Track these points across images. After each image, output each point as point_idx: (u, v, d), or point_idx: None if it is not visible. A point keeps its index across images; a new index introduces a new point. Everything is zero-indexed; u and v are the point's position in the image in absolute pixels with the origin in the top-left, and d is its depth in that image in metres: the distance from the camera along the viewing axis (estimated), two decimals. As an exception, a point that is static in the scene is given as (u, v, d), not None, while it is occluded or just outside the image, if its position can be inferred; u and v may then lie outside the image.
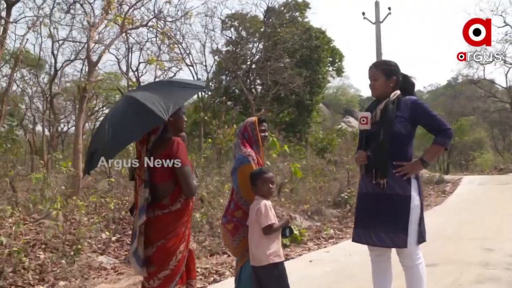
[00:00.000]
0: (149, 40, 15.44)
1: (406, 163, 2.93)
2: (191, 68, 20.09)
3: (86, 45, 10.54)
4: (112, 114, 2.83)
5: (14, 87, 23.22)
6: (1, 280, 4.74)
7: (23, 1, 16.14)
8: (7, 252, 5.18)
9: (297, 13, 24.31)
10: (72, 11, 13.36)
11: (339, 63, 29.32)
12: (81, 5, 11.17)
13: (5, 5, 8.78)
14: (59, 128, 24.33)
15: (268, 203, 3.10)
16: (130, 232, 5.67)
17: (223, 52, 23.26)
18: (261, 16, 22.13)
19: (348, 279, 4.60)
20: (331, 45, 25.93)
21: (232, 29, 23.71)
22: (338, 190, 11.58)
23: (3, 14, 9.01)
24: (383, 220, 2.91)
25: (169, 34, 13.71)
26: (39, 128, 22.42)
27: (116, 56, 19.25)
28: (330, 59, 27.17)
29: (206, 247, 6.40)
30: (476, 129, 37.62)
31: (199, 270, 5.08)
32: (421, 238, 2.97)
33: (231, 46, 23.33)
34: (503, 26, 23.35)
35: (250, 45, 23.79)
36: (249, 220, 3.14)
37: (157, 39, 14.16)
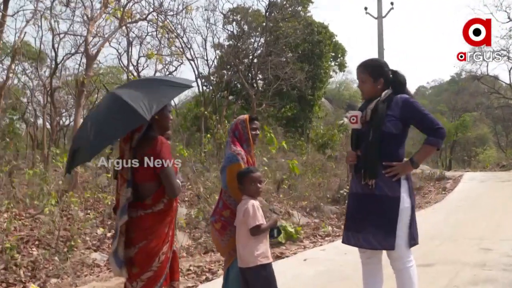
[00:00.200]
0: (149, 34, 15.33)
1: (396, 163, 2.85)
2: (192, 62, 19.98)
3: (85, 39, 10.41)
4: (96, 112, 2.78)
5: (16, 81, 23.29)
6: (-8, 277, 4.71)
7: (23, -6, 16.16)
8: (-1, 249, 5.15)
9: (300, 8, 24.14)
10: (72, 4, 13.32)
11: (341, 58, 29.13)
12: (80, -2, 11.08)
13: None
14: (61, 122, 24.36)
15: (255, 203, 3.04)
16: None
17: (225, 47, 23.16)
18: (263, 11, 21.99)
19: (341, 279, 4.54)
20: (334, 40, 25.74)
21: (234, 23, 23.59)
22: (337, 186, 11.53)
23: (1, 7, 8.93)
24: (372, 222, 2.83)
25: (169, 28, 13.62)
26: (40, 121, 22.45)
27: (117, 50, 19.20)
28: (333, 54, 27.01)
29: (202, 244, 6.37)
30: (479, 125, 37.46)
31: (191, 268, 5.05)
32: (412, 241, 2.89)
33: (233, 40, 23.21)
34: (507, 22, 23.16)
35: (252, 40, 23.68)
36: (236, 220, 3.08)
37: (157, 33, 14.04)
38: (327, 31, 24.26)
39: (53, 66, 18.16)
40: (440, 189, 13.68)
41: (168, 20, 13.91)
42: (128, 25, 12.84)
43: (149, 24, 14.15)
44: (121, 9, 10.48)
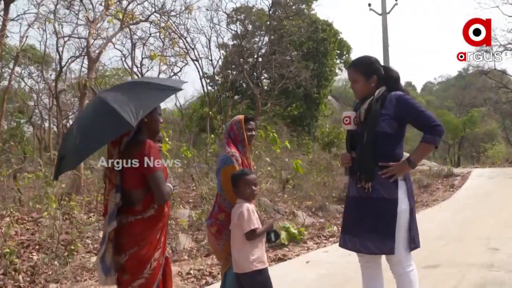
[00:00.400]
0: (152, 35, 15.30)
1: (392, 163, 2.73)
2: (196, 62, 19.95)
3: (87, 42, 10.39)
4: (82, 116, 2.70)
5: (22, 84, 23.43)
6: (-10, 283, 4.67)
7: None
8: (-1, 254, 5.11)
9: (303, 6, 24.00)
10: (76, 7, 13.34)
11: (347, 55, 28.98)
12: (81, 0, 11.06)
13: (2, 2, 8.70)
14: (68, 124, 24.45)
15: (250, 206, 2.95)
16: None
17: (230, 46, 23.10)
18: (267, 9, 21.90)
19: (343, 282, 4.43)
20: (338, 37, 25.57)
21: (238, 22, 23.52)
22: (343, 185, 11.39)
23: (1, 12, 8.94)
24: (369, 225, 2.72)
25: (171, 28, 13.57)
26: (47, 124, 22.56)
27: (121, 52, 19.21)
28: (338, 51, 26.86)
29: (205, 246, 6.29)
30: (488, 121, 37.06)
31: (192, 272, 4.97)
32: (412, 245, 2.78)
33: (237, 40, 23.14)
34: (513, 16, 22.81)
35: (256, 39, 23.60)
36: (231, 224, 2.99)
37: (160, 34, 14.00)
38: (331, 28, 24.10)
39: (58, 69, 18.26)
40: (448, 187, 13.50)
41: (171, 21, 13.89)
42: (130, 26, 12.81)
43: (151, 25, 14.15)
44: (122, 11, 10.44)
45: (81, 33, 17.07)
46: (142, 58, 18.10)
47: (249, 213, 2.89)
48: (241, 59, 21.34)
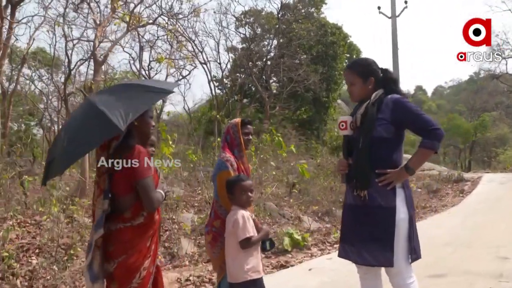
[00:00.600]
0: (160, 38, 15.31)
1: (390, 170, 2.60)
2: (204, 66, 19.94)
3: (93, 44, 10.40)
4: (71, 119, 2.63)
5: (32, 87, 23.64)
6: (-13, 288, 4.62)
7: (36, 1, 16.32)
8: (-2, 258, 5.05)
9: (313, 9, 23.92)
10: (85, 10, 13.38)
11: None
12: (88, 3, 11.07)
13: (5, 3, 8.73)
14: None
15: (246, 213, 2.84)
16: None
17: (239, 50, 23.08)
18: (276, 13, 21.86)
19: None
20: (348, 41, 25.43)
21: (247, 26, 23.51)
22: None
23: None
24: (366, 234, 2.59)
25: (179, 31, 13.55)
26: (57, 127, 22.69)
27: (130, 55, 19.26)
28: (347, 55, 26.69)
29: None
30: (499, 125, 36.51)
31: (191, 278, 4.87)
32: (413, 255, 2.64)
33: (246, 43, 23.12)
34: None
35: (265, 42, 23.56)
36: (226, 232, 2.89)
37: (168, 37, 14.00)
38: (341, 32, 24.00)
39: (67, 72, 18.36)
40: (457, 192, 13.26)
41: (179, 24, 13.87)
42: (138, 30, 12.82)
43: (159, 28, 14.15)
44: (129, 14, 10.44)
45: (90, 36, 17.18)
46: (150, 61, 18.14)
47: (244, 220, 2.78)
48: (250, 63, 21.30)
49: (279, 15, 21.53)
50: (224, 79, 23.73)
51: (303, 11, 23.54)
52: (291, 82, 20.46)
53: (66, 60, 17.77)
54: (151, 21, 11.59)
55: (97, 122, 2.27)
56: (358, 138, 2.67)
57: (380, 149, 2.61)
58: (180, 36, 14.64)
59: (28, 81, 22.98)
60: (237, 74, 23.39)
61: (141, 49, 16.51)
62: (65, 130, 2.47)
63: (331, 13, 56.86)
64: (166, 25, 13.05)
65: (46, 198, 7.51)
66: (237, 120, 3.26)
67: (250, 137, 3.27)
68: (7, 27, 8.76)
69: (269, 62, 22.22)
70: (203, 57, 19.86)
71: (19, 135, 18.25)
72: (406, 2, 16.91)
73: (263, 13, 23.35)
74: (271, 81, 23.86)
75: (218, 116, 14.96)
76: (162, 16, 12.49)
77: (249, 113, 22.44)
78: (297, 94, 21.77)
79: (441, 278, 4.42)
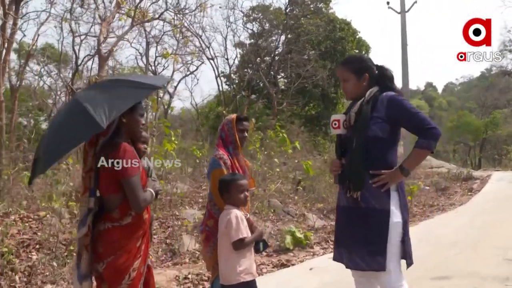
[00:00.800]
0: (166, 33, 15.25)
1: (384, 171, 2.49)
2: (211, 61, 19.85)
3: (98, 40, 10.36)
4: (56, 117, 2.57)
5: (41, 83, 23.80)
6: (-15, 284, 4.60)
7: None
8: (-2, 253, 5.03)
9: (321, 4, 23.69)
10: (92, 6, 13.36)
11: (365, 54, 28.49)
12: (94, -1, 11.05)
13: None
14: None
15: (239, 213, 2.76)
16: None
17: (247, 45, 22.96)
18: (284, 8, 21.70)
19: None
20: (357, 36, 25.16)
21: (255, 21, 23.37)
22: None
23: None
24: (359, 237, 2.49)
25: (185, 27, 13.48)
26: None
27: (138, 51, 19.24)
28: (356, 50, 26.40)
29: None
30: (511, 122, 36.01)
31: (189, 276, 4.81)
32: (408, 260, 2.55)
33: (254, 38, 23.00)
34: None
35: (274, 38, 23.41)
36: (218, 232, 2.80)
37: (174, 32, 13.93)
38: (349, 27, 23.75)
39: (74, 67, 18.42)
40: (466, 190, 13.06)
41: (185, 19, 13.80)
42: (144, 24, 12.76)
43: (165, 24, 14.09)
44: (134, 9, 10.38)
45: (97, 32, 17.20)
46: (156, 57, 18.10)
47: (238, 221, 2.70)
48: (258, 58, 21.17)
49: (287, 10, 21.35)
50: (232, 75, 23.64)
51: (311, 6, 23.30)
52: (299, 78, 20.32)
53: (74, 55, 17.86)
54: (155, 17, 11.51)
55: (80, 119, 2.20)
56: (351, 137, 2.57)
57: (374, 149, 2.51)
58: (187, 32, 14.58)
59: (36, 77, 23.12)
60: (245, 70, 23.27)
61: (148, 44, 16.46)
62: (50, 127, 2.40)
63: (339, 8, 56.40)
64: (173, 20, 12.98)
65: (51, 193, 7.52)
66: (232, 116, 3.19)
67: (246, 134, 3.19)
68: (11, 23, 8.75)
69: (277, 58, 22.07)
70: (210, 52, 19.80)
71: (24, 130, 18.36)
72: (415, -3, 16.69)
73: (271, 8, 23.19)
74: (279, 77, 23.71)
75: (224, 111, 14.91)
76: (168, 12, 12.41)
77: (257, 109, 22.32)
78: (305, 90, 21.61)
79: (444, 280, 4.31)
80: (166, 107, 21.32)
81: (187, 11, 13.40)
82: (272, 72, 22.42)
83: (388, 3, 17.45)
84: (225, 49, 22.03)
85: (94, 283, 2.54)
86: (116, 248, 2.39)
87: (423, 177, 15.25)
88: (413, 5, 16.90)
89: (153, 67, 17.94)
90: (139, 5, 10.52)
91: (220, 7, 19.78)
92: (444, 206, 10.43)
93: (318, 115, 23.15)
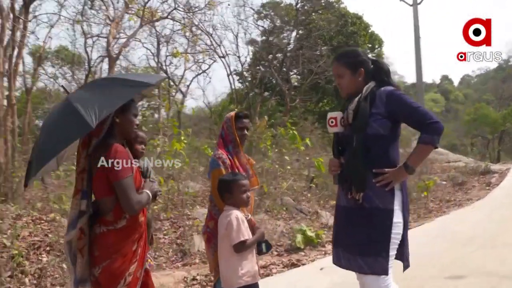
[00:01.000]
0: (176, 32, 15.22)
1: (388, 170, 2.37)
2: (223, 59, 19.78)
3: (107, 40, 10.38)
4: (48, 117, 2.52)
5: (56, 85, 24.10)
6: (-4, 285, 4.61)
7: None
8: (8, 255, 5.05)
9: (333, -1, 23.46)
10: (104, 7, 13.41)
11: (378, 49, 28.08)
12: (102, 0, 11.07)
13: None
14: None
15: (240, 214, 2.67)
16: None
17: (259, 43, 22.86)
18: (295, 4, 21.54)
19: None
20: (369, 30, 24.84)
21: (266, 18, 23.25)
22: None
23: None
24: (362, 237, 2.37)
25: (194, 25, 13.43)
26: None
27: (150, 51, 19.29)
28: (369, 45, 26.08)
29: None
30: (530, 113, 35.20)
31: (198, 277, 4.75)
32: (405, 263, 2.46)
33: (265, 35, 22.87)
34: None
35: (285, 34, 23.25)
36: (219, 235, 2.72)
37: (183, 31, 13.90)
38: (361, 21, 23.47)
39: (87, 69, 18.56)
40: (484, 184, 12.75)
41: (195, 18, 13.75)
42: (153, 24, 12.75)
43: (175, 23, 14.06)
44: (142, 9, 10.37)
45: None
46: (166, 56, 18.10)
47: (238, 222, 2.62)
48: (270, 55, 21.04)
49: (298, 6, 21.19)
50: (244, 72, 23.56)
51: (322, 1, 23.07)
52: (312, 74, 20.14)
53: (87, 57, 17.99)
54: (164, 16, 11.49)
55: (71, 119, 2.15)
56: (350, 135, 2.45)
57: (376, 146, 2.39)
58: (197, 30, 14.54)
59: (52, 79, 23.40)
60: (257, 67, 23.16)
61: (159, 44, 16.47)
62: (42, 128, 2.35)
63: (351, 3, 55.65)
64: (182, 19, 12.95)
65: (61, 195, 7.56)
66: (232, 114, 3.10)
67: (246, 132, 3.09)
68: (21, 26, 8.79)
69: (288, 54, 21.92)
70: (221, 50, 19.74)
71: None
72: (428, -11, 16.34)
73: (282, 4, 23.04)
74: (291, 73, 23.54)
75: (237, 110, 14.82)
76: (178, 10, 12.36)
77: (270, 106, 22.21)
78: (318, 86, 21.42)
79: (459, 279, 4.16)
80: (178, 106, 21.36)
81: (196, 9, 13.36)
82: (284, 69, 22.27)
83: (400, -5, 17.17)
84: (237, 46, 21.87)
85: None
86: (111, 252, 2.33)
87: (439, 171, 14.97)
88: (425, -4, 16.59)
89: (165, 67, 17.95)
90: (147, 4, 10.47)
91: (229, 5, 19.69)
92: (461, 201, 10.19)
93: (331, 111, 22.97)
